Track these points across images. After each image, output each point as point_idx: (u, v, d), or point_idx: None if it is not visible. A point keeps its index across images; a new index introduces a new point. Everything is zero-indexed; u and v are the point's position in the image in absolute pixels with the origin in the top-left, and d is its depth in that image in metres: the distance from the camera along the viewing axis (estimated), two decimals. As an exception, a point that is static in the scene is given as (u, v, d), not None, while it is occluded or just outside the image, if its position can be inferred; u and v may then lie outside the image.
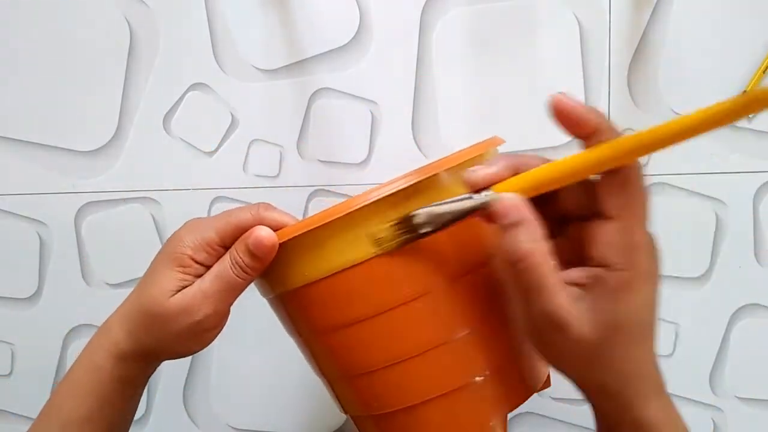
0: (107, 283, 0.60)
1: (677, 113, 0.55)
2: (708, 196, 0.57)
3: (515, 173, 0.34)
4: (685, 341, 0.58)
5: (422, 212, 0.34)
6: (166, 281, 0.40)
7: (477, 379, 0.36)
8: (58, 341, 0.61)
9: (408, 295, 0.36)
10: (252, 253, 0.38)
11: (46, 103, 0.58)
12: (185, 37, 0.57)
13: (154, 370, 0.44)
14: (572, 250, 0.33)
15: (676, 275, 0.58)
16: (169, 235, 0.42)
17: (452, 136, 0.57)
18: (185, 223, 0.42)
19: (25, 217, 0.59)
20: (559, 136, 0.56)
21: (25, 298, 0.61)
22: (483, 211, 0.33)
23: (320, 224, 0.35)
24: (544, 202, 0.34)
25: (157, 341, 0.41)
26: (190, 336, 0.40)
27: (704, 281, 0.57)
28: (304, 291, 0.37)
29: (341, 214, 0.35)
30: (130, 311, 0.42)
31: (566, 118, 0.32)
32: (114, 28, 0.57)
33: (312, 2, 0.56)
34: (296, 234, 0.36)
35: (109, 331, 0.42)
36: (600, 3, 0.54)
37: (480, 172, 0.34)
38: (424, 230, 0.34)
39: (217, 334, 0.42)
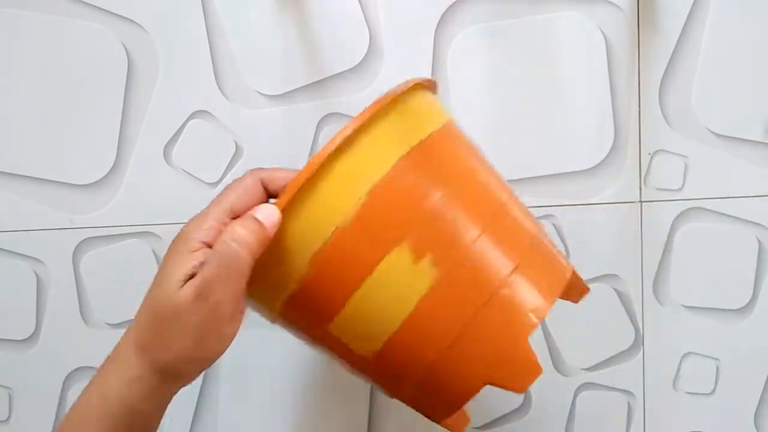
0: (108, 323, 0.57)
1: (713, 133, 0.52)
2: (748, 221, 0.53)
3: None
4: (726, 378, 0.55)
5: None
6: (174, 272, 0.36)
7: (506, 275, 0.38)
8: (58, 384, 0.58)
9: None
10: (257, 220, 0.36)
11: (40, 134, 0.56)
12: (186, 63, 0.54)
13: (170, 398, 0.40)
14: None
15: (715, 307, 0.54)
16: None
17: (471, 162, 0.54)
18: None
19: (21, 254, 0.57)
20: (586, 161, 0.53)
21: (22, 340, 0.58)
22: None
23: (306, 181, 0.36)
24: None
25: (176, 350, 0.36)
26: (208, 330, 0.36)
27: (746, 313, 0.54)
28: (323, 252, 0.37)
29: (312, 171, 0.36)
30: (140, 323, 0.38)
31: None
32: (110, 54, 0.54)
33: (318, 25, 0.53)
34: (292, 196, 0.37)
35: (118, 354, 0.38)
36: (627, 16, 0.51)
37: None
38: None
39: (236, 328, 0.37)
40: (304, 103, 0.54)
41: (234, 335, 0.37)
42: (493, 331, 0.37)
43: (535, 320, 0.37)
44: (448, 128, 0.41)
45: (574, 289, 0.43)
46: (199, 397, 0.58)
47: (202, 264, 0.36)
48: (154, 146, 0.55)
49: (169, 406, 0.57)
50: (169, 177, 0.55)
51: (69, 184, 0.56)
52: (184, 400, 0.58)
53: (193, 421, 0.58)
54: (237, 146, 0.55)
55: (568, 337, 0.55)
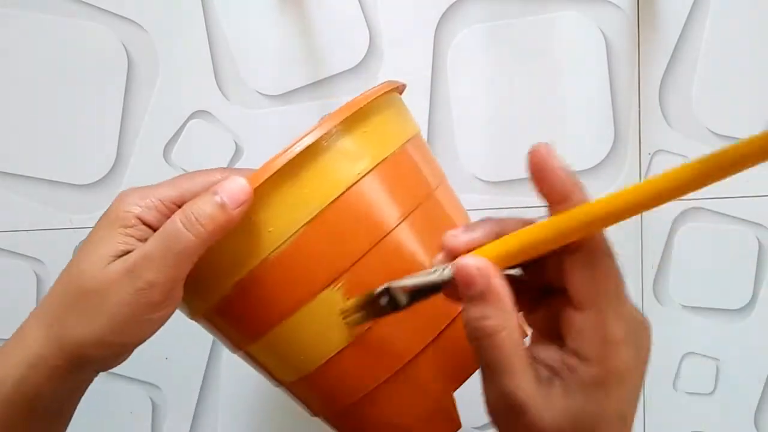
0: (107, 323, 0.57)
1: (713, 133, 0.52)
2: (749, 221, 0.53)
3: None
4: (726, 378, 0.55)
5: (383, 289, 0.31)
6: (102, 246, 0.32)
7: (430, 341, 0.35)
8: (57, 385, 0.58)
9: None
10: (220, 204, 0.31)
11: (40, 134, 0.56)
12: (186, 63, 0.54)
13: (84, 385, 0.35)
14: (552, 323, 0.30)
15: (715, 307, 0.54)
16: None
17: (472, 161, 0.54)
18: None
19: (21, 254, 0.57)
20: (586, 161, 0.53)
21: (22, 340, 0.58)
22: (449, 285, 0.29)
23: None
24: (526, 266, 0.30)
25: (89, 331, 0.32)
26: (132, 314, 0.31)
27: (747, 313, 0.54)
28: (266, 265, 0.33)
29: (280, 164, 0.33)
30: (52, 297, 0.33)
31: (540, 176, 0.28)
32: (110, 54, 0.54)
33: (318, 25, 0.53)
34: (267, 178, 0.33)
35: (21, 331, 0.33)
36: (628, 16, 0.51)
37: (459, 238, 0.29)
38: (387, 309, 0.31)
39: (166, 316, 0.33)
40: (304, 103, 0.54)
41: (161, 324, 0.33)
42: (420, 383, 0.35)
43: (467, 374, 0.35)
44: (397, 156, 0.36)
45: None
46: (199, 394, 0.58)
47: (138, 242, 0.32)
48: (154, 146, 0.55)
49: (169, 404, 0.57)
50: (169, 177, 0.55)
51: (69, 184, 0.56)
52: (182, 401, 0.58)
53: (194, 417, 0.59)
54: (237, 146, 0.55)
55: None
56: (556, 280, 0.29)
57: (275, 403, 0.58)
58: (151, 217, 0.33)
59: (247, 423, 0.58)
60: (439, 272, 0.29)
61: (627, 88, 0.52)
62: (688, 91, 0.52)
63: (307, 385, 0.37)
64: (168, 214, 0.33)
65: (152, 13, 0.54)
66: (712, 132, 0.52)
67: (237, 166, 0.55)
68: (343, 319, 0.33)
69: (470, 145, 0.54)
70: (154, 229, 0.33)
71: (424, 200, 0.36)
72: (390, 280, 0.31)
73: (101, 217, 0.34)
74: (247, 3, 0.53)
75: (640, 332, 0.29)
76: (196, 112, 0.55)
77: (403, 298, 0.30)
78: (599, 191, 0.53)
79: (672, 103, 0.52)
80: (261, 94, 0.54)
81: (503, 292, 0.28)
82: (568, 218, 0.27)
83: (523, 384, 0.28)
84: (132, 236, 0.33)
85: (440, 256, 0.30)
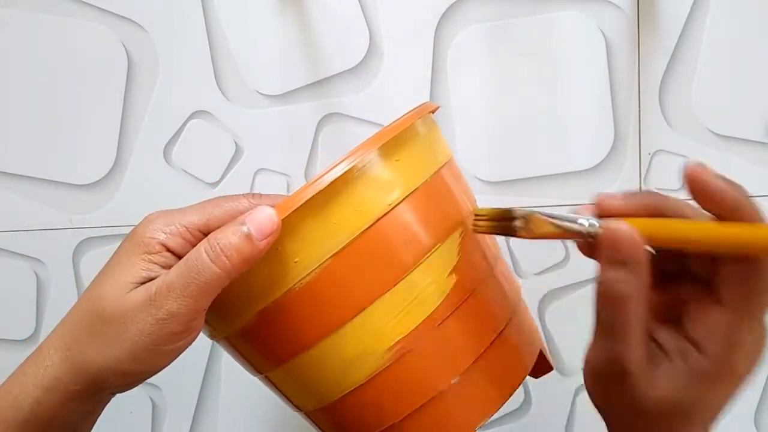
0: (108, 323, 0.57)
1: (713, 133, 0.52)
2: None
3: (652, 214, 0.30)
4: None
5: (523, 213, 0.30)
6: (125, 272, 0.32)
7: (453, 381, 0.34)
8: (58, 384, 0.58)
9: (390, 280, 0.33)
10: (246, 235, 0.30)
11: (41, 134, 0.56)
12: (186, 64, 0.54)
13: (100, 408, 0.35)
14: (668, 307, 0.31)
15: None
16: None
17: (471, 162, 0.54)
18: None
19: (21, 254, 0.57)
20: (586, 161, 0.53)
21: (21, 340, 0.58)
22: (588, 239, 0.30)
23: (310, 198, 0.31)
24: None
25: (106, 357, 0.31)
26: (152, 343, 0.31)
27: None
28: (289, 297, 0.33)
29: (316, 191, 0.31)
30: (72, 320, 0.33)
31: (701, 191, 0.28)
32: (110, 54, 0.54)
33: (318, 25, 0.53)
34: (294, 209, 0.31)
35: (39, 352, 0.33)
36: (628, 16, 0.51)
37: (614, 201, 0.30)
38: (518, 232, 0.30)
39: (185, 346, 0.33)
40: (304, 103, 0.54)
41: (179, 354, 0.33)
42: (443, 419, 0.34)
43: (491, 412, 0.34)
44: (430, 184, 0.35)
45: (537, 366, 0.39)
46: (199, 394, 0.58)
47: (162, 269, 0.32)
48: (154, 146, 0.55)
49: (169, 404, 0.57)
50: (169, 177, 0.55)
51: (69, 184, 0.56)
52: (184, 398, 0.58)
53: (194, 417, 0.58)
54: (237, 146, 0.55)
55: (568, 337, 0.55)
56: (700, 270, 0.30)
57: (275, 403, 0.58)
58: (175, 243, 0.33)
59: (247, 423, 0.58)
60: (586, 225, 0.29)
61: (627, 88, 0.52)
62: (688, 91, 0.52)
63: (327, 415, 0.36)
64: (193, 241, 0.33)
65: (152, 13, 0.54)
66: (712, 132, 0.52)
67: (237, 165, 0.55)
68: (474, 221, 0.32)
69: (470, 145, 0.54)
70: (179, 257, 0.32)
71: (458, 228, 0.35)
72: (416, 315, 0.32)
73: (125, 240, 0.33)
74: (247, 3, 0.53)
75: (763, 341, 0.30)
76: (196, 112, 0.55)
77: (537, 229, 0.30)
78: (599, 191, 0.54)
79: (672, 103, 0.52)
80: (261, 94, 0.54)
81: (645, 263, 0.29)
82: (740, 234, 0.27)
83: (635, 355, 0.29)
84: (155, 263, 0.32)
85: (588, 209, 0.31)
